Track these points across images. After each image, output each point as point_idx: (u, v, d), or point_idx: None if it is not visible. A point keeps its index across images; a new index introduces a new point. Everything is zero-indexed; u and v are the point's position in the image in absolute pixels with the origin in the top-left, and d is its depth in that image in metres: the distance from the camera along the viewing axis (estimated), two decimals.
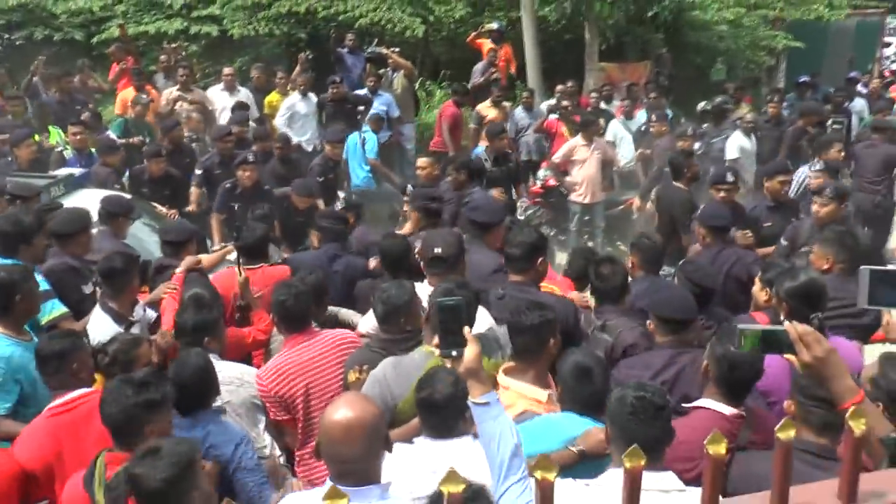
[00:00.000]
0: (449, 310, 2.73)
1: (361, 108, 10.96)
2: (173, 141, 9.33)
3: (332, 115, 10.95)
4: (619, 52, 14.49)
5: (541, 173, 10.73)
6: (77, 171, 8.04)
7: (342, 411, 2.67)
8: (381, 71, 11.79)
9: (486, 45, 13.03)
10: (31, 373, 4.12)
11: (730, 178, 7.10)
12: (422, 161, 8.59)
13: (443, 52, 15.30)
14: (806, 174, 8.22)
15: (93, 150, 9.16)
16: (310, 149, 10.86)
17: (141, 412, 3.18)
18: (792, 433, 1.50)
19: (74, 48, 13.46)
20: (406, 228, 6.55)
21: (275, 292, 4.51)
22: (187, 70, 11.20)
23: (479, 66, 12.92)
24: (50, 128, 9.95)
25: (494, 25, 13.33)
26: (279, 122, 10.97)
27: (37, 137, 9.19)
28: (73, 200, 6.82)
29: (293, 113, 11.06)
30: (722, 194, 6.94)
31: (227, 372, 4.27)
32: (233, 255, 5.93)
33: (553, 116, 11.29)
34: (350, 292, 5.77)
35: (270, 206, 7.53)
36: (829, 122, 10.11)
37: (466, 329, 2.72)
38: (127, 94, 11.00)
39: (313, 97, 11.30)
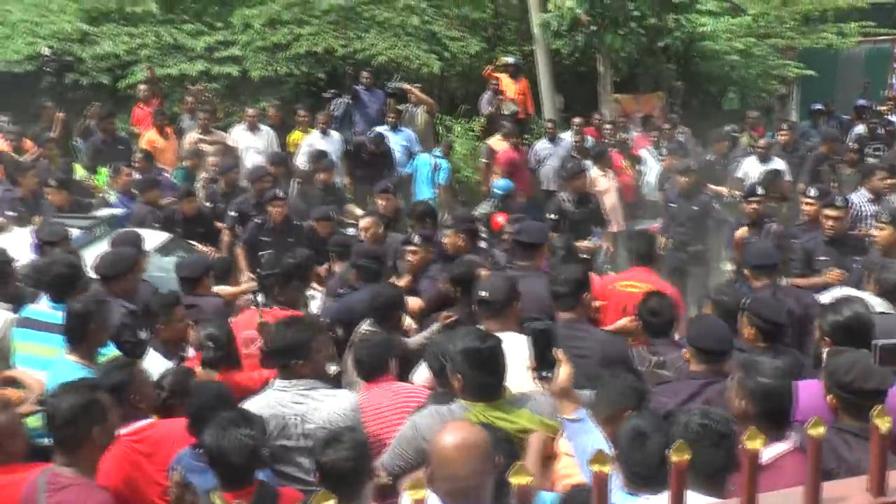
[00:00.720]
0: (540, 333, 2.96)
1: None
2: (229, 183, 9.45)
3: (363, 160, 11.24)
4: (633, 83, 14.70)
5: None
6: (119, 211, 8.33)
7: (455, 433, 2.72)
8: (402, 106, 12.00)
9: (504, 79, 13.29)
10: None
11: (760, 190, 7.32)
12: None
13: (458, 86, 15.57)
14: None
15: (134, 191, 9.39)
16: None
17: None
18: (822, 430, 1.64)
19: (101, 91, 13.75)
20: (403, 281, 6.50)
21: (356, 348, 4.64)
22: (207, 113, 11.46)
23: (485, 97, 13.18)
24: (99, 168, 10.21)
25: (510, 60, 13.59)
26: (300, 161, 11.20)
27: (81, 172, 9.53)
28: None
29: (313, 151, 11.26)
30: (753, 206, 7.18)
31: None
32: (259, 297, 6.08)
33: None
34: None
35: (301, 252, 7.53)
36: (870, 148, 10.28)
37: (558, 351, 2.93)
38: (151, 134, 11.25)
39: (334, 135, 11.55)
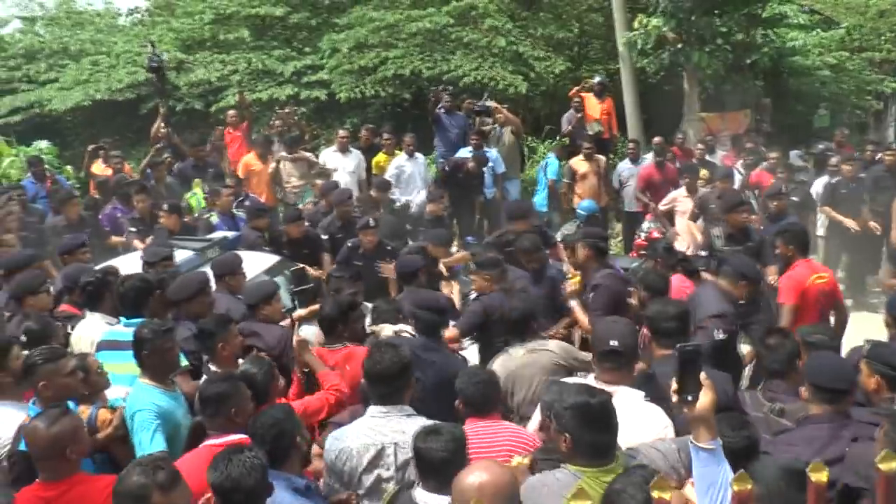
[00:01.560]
0: (688, 355, 2.87)
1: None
2: (343, 217, 9.39)
3: (459, 181, 11.25)
4: (719, 101, 14.49)
5: (645, 225, 10.79)
6: (230, 234, 8.51)
7: (477, 474, 2.73)
8: (488, 127, 12.06)
9: (589, 99, 13.27)
10: (174, 420, 4.47)
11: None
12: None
13: (543, 106, 15.63)
14: None
15: (234, 212, 9.69)
16: (415, 208, 11.24)
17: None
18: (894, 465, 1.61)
19: (195, 116, 14.33)
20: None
21: (459, 382, 4.41)
22: (294, 135, 11.72)
23: (566, 116, 13.19)
24: (193, 190, 10.63)
25: (597, 79, 13.55)
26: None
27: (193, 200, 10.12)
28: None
29: (400, 173, 11.45)
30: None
31: None
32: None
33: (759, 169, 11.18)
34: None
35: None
36: None
37: (703, 375, 2.86)
38: (250, 158, 11.58)
39: (420, 157, 11.71)
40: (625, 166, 11.89)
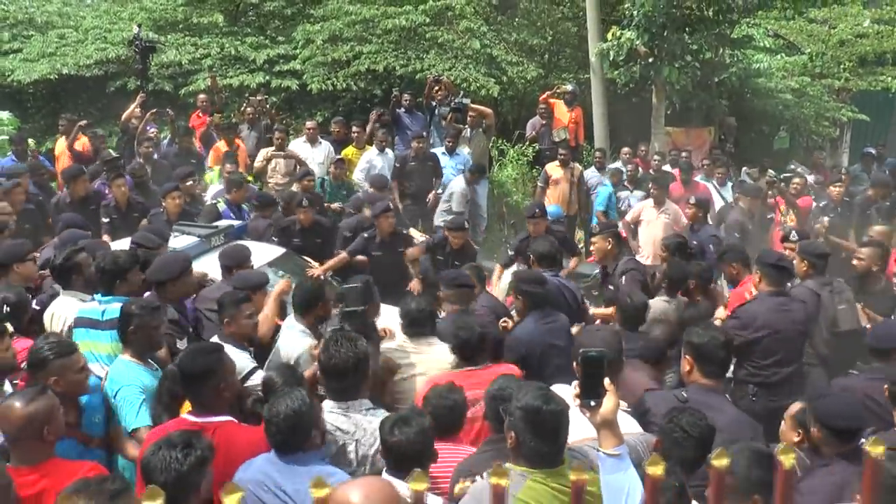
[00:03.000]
0: (593, 361, 2.83)
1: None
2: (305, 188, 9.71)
3: (414, 169, 11.32)
4: (685, 116, 14.78)
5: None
6: (236, 223, 8.36)
7: (355, 492, 2.53)
8: (459, 126, 12.12)
9: (559, 106, 13.44)
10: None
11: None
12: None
13: (513, 111, 15.77)
14: None
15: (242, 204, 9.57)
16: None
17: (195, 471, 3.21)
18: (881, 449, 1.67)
19: (163, 98, 14.15)
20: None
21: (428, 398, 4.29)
22: (283, 133, 11.61)
23: (532, 121, 13.39)
24: (215, 167, 10.52)
25: (569, 87, 13.72)
26: (358, 177, 11.38)
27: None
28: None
29: (370, 167, 11.46)
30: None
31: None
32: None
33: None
34: None
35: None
36: None
37: (607, 381, 2.82)
38: (220, 146, 11.46)
39: (390, 153, 11.75)
40: (591, 174, 12.08)
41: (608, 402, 2.80)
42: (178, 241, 7.30)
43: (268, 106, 12.96)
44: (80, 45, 15.34)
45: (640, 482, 2.77)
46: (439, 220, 10.68)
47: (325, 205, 10.42)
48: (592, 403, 2.81)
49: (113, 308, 4.96)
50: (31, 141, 13.93)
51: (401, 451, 3.51)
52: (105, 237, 8.38)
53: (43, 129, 14.98)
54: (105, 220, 8.82)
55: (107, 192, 9.38)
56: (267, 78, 14.82)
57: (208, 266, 6.76)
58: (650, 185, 10.52)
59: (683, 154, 12.69)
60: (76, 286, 5.65)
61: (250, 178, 10.99)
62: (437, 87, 12.57)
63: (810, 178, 12.18)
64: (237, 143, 11.66)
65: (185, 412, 4.02)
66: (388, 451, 3.57)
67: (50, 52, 15.20)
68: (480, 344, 4.92)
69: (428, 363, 5.18)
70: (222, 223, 8.26)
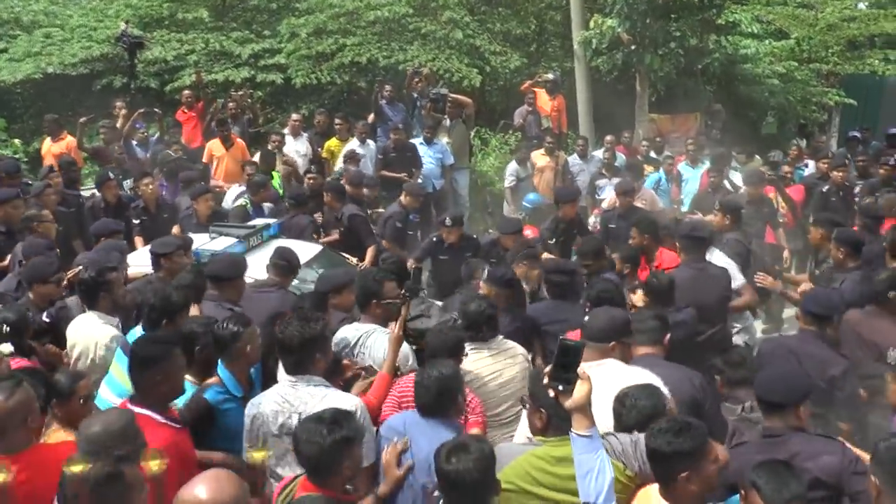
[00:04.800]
0: (569, 349, 3.08)
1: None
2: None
3: (394, 161, 11.33)
4: (671, 103, 14.77)
5: (591, 220, 10.96)
6: (273, 221, 8.26)
7: (200, 487, 2.68)
8: (438, 116, 12.14)
9: (541, 94, 13.46)
10: None
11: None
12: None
13: (498, 101, 15.78)
14: None
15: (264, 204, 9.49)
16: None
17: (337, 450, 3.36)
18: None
19: (149, 95, 14.18)
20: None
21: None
22: (279, 137, 11.54)
23: (519, 110, 13.39)
24: (274, 173, 10.49)
25: (550, 76, 13.75)
26: (339, 167, 11.41)
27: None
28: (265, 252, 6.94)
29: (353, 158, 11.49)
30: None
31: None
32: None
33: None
34: None
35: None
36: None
37: (581, 370, 3.07)
38: (214, 144, 11.45)
39: (371, 144, 11.79)
40: (574, 161, 12.08)
41: (581, 387, 3.06)
42: (217, 243, 7.20)
43: (250, 101, 12.97)
44: (66, 43, 15.37)
45: (610, 466, 3.09)
46: None
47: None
48: (560, 388, 3.07)
49: None
50: (17, 142, 14.05)
51: (456, 482, 3.20)
52: (137, 239, 8.42)
53: (31, 129, 15.01)
54: (135, 221, 8.77)
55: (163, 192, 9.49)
56: (252, 72, 14.85)
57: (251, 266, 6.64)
58: (624, 173, 10.57)
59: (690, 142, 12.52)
60: (102, 306, 5.45)
61: None
62: (417, 79, 12.58)
63: (811, 166, 12.09)
64: (234, 140, 11.68)
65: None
66: (444, 481, 3.25)
67: (35, 51, 15.21)
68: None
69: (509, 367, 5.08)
70: (259, 222, 8.14)
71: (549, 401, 3.30)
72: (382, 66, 14.42)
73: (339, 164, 11.46)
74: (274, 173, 10.53)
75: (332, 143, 12.02)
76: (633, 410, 3.64)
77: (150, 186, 9.04)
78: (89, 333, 5.30)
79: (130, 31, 12.93)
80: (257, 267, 6.49)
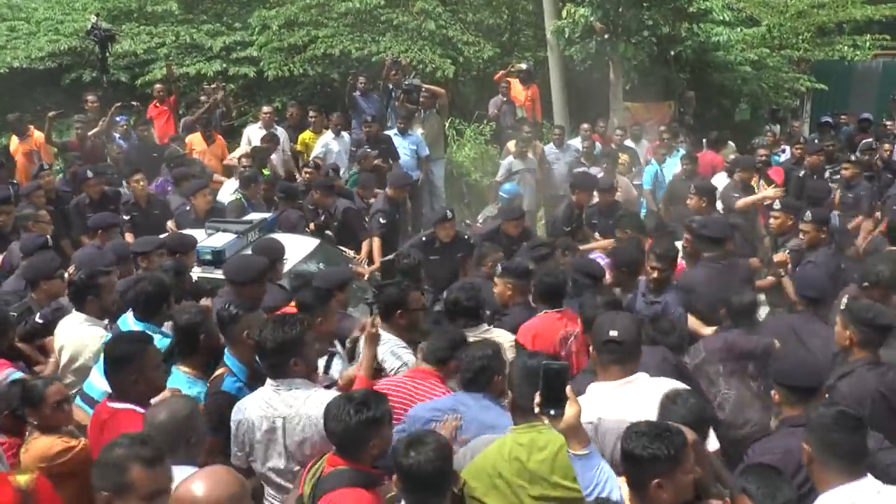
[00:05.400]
0: (553, 373, 3.07)
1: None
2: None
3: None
4: (644, 91, 14.81)
5: None
6: (268, 214, 8.20)
7: (197, 484, 2.65)
8: (413, 107, 12.10)
9: (515, 84, 13.44)
10: None
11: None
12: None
13: (472, 91, 15.74)
14: None
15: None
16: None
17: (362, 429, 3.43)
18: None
19: (120, 89, 13.99)
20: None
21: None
22: (272, 142, 11.38)
23: (493, 100, 13.36)
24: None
25: (523, 66, 13.73)
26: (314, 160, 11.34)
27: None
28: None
29: (327, 151, 11.42)
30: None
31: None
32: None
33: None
34: None
35: None
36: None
37: (568, 390, 3.07)
38: (195, 138, 11.41)
39: (346, 136, 11.73)
40: (550, 151, 12.06)
41: (570, 409, 3.05)
42: (215, 239, 7.13)
43: (221, 94, 12.84)
44: (32, 37, 15.10)
45: (613, 474, 3.10)
46: None
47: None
48: (552, 412, 3.07)
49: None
50: None
51: (413, 474, 3.18)
52: (127, 235, 8.33)
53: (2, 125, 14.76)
54: (125, 217, 8.71)
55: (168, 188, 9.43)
56: (224, 65, 14.69)
57: None
58: (602, 161, 10.56)
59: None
60: (90, 309, 5.36)
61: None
62: (394, 70, 12.51)
63: (787, 152, 12.23)
64: (215, 136, 11.59)
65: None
66: (402, 474, 3.22)
67: (0, 45, 14.96)
68: (564, 287, 5.63)
69: None
70: (254, 217, 8.04)
71: (516, 389, 3.44)
72: (355, 58, 14.33)
73: (313, 157, 11.40)
74: (264, 171, 10.47)
75: (307, 135, 11.97)
76: (682, 408, 3.62)
77: (141, 183, 8.97)
78: (78, 336, 5.23)
79: (101, 24, 12.77)
80: None
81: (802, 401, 3.88)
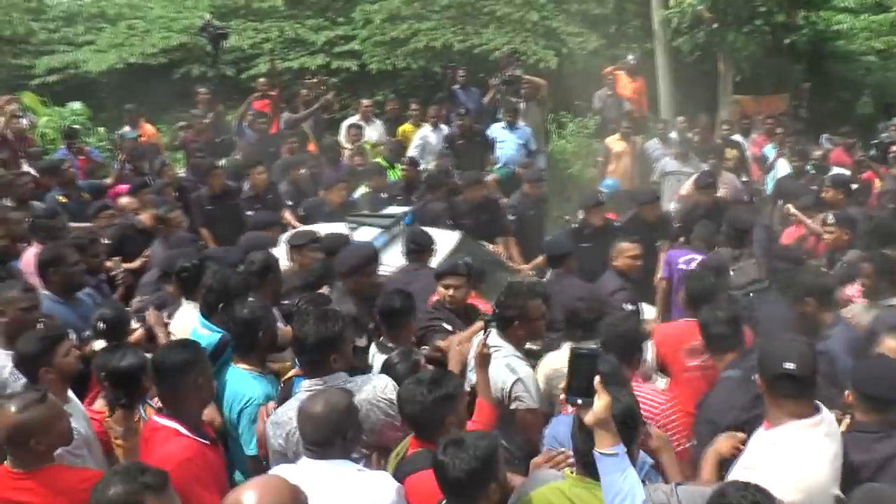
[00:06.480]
0: (583, 358, 2.82)
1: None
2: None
3: (462, 147, 11.08)
4: (756, 83, 14.16)
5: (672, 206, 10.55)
6: (408, 208, 8.12)
7: (248, 494, 2.52)
8: (513, 99, 11.90)
9: (622, 77, 13.07)
10: None
11: None
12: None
13: (575, 83, 15.39)
14: None
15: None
16: None
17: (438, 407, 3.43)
18: None
19: (226, 83, 14.31)
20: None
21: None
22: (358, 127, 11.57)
23: (598, 93, 13.00)
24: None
25: (630, 57, 13.35)
26: (412, 153, 11.28)
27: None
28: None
29: (425, 144, 11.37)
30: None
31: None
32: None
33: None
34: None
35: None
36: None
37: (597, 380, 2.77)
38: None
39: (445, 128, 11.63)
40: (654, 146, 11.65)
41: (600, 401, 2.77)
42: (362, 234, 7.02)
43: (323, 88, 12.92)
44: (147, 34, 15.72)
45: (640, 485, 2.75)
46: None
47: None
48: (580, 402, 2.79)
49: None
50: (101, 130, 14.38)
51: (445, 474, 2.99)
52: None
53: (114, 118, 15.32)
54: (248, 213, 8.58)
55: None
56: (327, 59, 14.93)
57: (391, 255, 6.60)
58: (707, 157, 10.09)
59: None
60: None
61: None
62: (509, 65, 12.31)
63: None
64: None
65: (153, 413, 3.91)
66: (435, 471, 3.05)
67: (118, 42, 15.61)
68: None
69: None
70: (396, 210, 7.93)
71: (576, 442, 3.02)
72: (457, 51, 14.27)
73: (410, 150, 11.35)
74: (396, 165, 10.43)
75: (406, 127, 11.97)
76: None
77: (263, 175, 8.97)
78: (190, 328, 5.05)
79: (213, 21, 13.12)
80: (399, 256, 6.50)
81: (878, 410, 3.54)
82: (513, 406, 4.36)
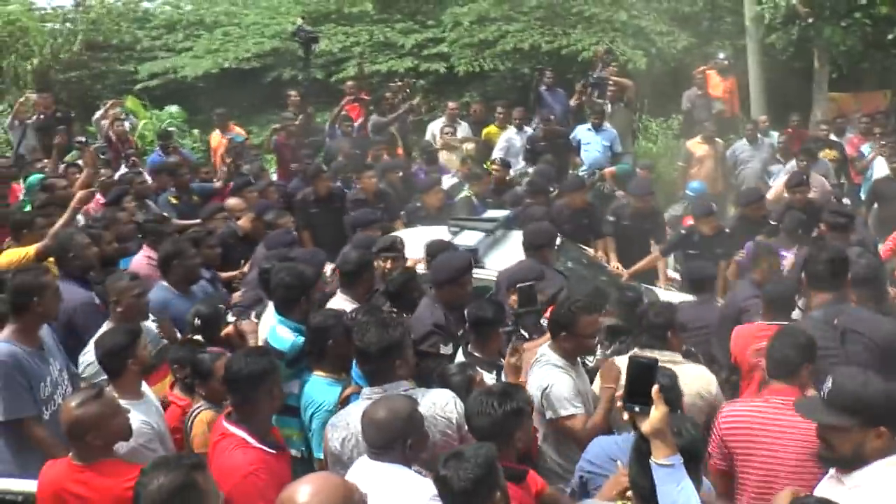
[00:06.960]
0: (642, 367, 2.81)
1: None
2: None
3: (544, 150, 10.99)
4: (855, 80, 13.65)
5: None
6: (507, 211, 7.99)
7: (302, 489, 2.55)
8: (599, 101, 11.80)
9: (712, 76, 12.80)
10: None
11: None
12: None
13: (666, 83, 15.14)
14: None
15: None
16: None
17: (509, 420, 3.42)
18: None
19: (316, 86, 14.62)
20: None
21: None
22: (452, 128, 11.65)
23: (687, 94, 12.76)
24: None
25: (721, 56, 13.06)
26: (496, 155, 11.30)
27: None
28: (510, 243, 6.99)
29: (510, 146, 11.36)
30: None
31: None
32: None
33: None
34: None
35: None
36: None
37: (655, 389, 2.75)
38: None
39: (529, 130, 11.62)
40: (742, 147, 11.38)
41: (657, 411, 2.74)
42: (464, 238, 6.94)
43: (407, 91, 13.06)
44: (241, 40, 16.19)
45: (697, 497, 2.72)
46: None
47: None
48: (637, 409, 2.77)
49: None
50: (196, 132, 14.91)
51: (446, 486, 3.02)
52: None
53: (209, 121, 15.83)
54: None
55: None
56: (415, 62, 15.10)
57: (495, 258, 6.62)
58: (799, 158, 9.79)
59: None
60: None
61: None
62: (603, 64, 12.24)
63: None
64: None
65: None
66: (436, 484, 3.08)
67: (214, 48, 16.15)
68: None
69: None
70: (499, 214, 7.80)
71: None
72: (545, 52, 14.25)
73: (495, 152, 11.38)
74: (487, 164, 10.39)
75: (491, 129, 12.02)
76: None
77: (373, 179, 8.99)
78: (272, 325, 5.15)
79: (305, 27, 13.45)
80: (501, 259, 6.48)
81: None
82: (548, 416, 4.34)
